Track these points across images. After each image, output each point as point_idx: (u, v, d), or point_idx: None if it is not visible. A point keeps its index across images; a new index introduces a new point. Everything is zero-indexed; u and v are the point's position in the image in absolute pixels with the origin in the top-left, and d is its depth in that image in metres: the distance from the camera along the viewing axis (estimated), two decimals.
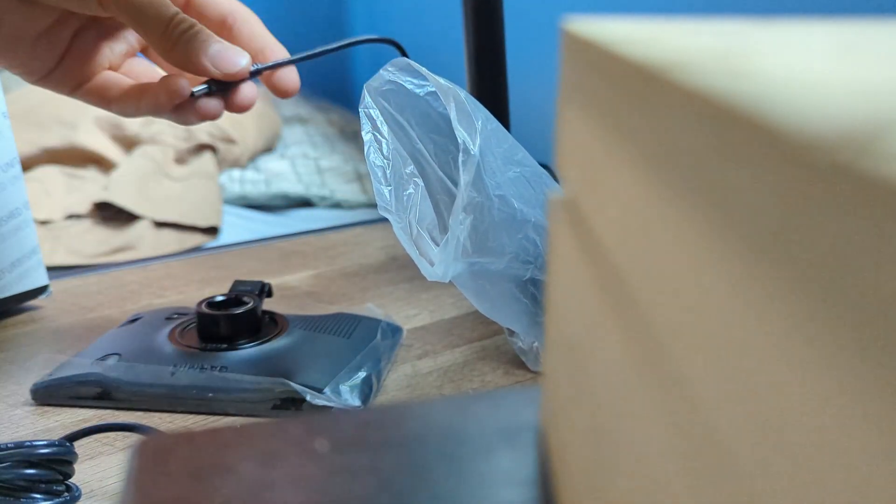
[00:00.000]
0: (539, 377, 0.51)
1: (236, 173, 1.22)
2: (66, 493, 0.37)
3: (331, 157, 1.30)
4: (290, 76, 0.51)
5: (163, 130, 1.20)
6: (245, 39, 0.51)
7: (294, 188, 1.15)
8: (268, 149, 1.37)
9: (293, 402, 0.46)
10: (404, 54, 0.54)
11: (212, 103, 0.49)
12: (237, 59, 0.48)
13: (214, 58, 0.47)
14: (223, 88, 0.49)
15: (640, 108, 0.14)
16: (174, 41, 0.46)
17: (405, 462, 0.23)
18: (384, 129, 0.48)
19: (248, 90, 0.50)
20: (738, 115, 0.10)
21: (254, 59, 0.50)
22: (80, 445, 0.41)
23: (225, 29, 0.51)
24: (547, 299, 0.23)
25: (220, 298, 0.52)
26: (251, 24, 0.51)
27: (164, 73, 0.51)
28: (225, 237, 1.00)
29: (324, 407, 0.45)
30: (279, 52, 0.51)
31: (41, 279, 0.63)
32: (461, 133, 0.45)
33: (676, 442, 0.13)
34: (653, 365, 0.14)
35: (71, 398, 0.48)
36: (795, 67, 0.12)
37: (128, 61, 0.53)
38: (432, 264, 0.46)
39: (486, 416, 0.25)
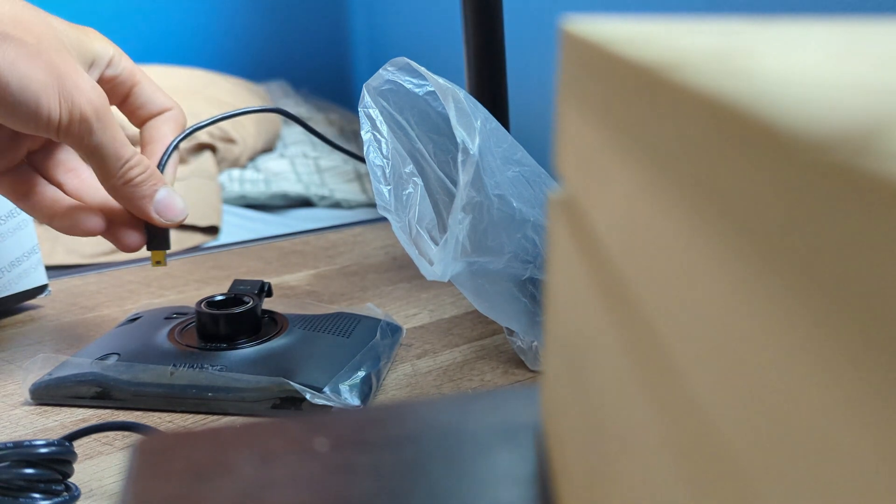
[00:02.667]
0: (538, 376, 0.51)
1: (236, 173, 1.22)
2: (65, 493, 0.37)
3: (330, 157, 1.30)
4: (173, 204, 0.49)
5: None
6: (142, 101, 0.51)
7: (294, 188, 1.15)
8: (267, 148, 1.37)
9: (293, 402, 0.46)
10: (298, 122, 0.56)
11: (135, 238, 0.50)
12: (180, 210, 0.49)
13: (159, 205, 0.48)
14: (151, 228, 0.50)
15: (640, 108, 0.14)
16: (126, 181, 0.47)
17: (404, 461, 0.23)
18: (383, 128, 0.48)
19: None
20: (738, 115, 0.10)
21: (143, 138, 0.51)
22: (79, 445, 0.41)
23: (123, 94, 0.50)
24: (546, 298, 0.23)
25: (219, 298, 0.52)
26: (148, 86, 0.51)
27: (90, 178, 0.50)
28: (224, 237, 1.00)
29: (323, 406, 0.45)
30: (167, 131, 0.51)
31: (40, 278, 0.63)
32: (460, 132, 0.45)
33: (675, 441, 0.13)
34: (652, 364, 0.14)
35: (70, 398, 0.48)
36: (795, 67, 0.12)
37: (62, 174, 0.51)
38: (431, 264, 0.46)
39: (486, 415, 0.25)
